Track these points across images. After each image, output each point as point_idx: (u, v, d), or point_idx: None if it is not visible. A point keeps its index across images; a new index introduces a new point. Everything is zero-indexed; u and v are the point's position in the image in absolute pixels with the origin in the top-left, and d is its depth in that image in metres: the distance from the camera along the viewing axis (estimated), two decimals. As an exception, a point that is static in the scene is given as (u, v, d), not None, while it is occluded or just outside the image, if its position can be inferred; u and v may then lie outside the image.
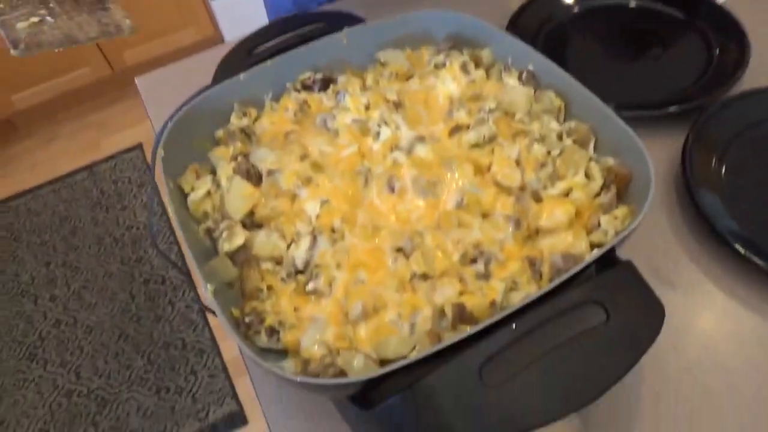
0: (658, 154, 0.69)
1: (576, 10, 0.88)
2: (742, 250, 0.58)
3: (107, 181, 2.10)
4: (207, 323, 1.68)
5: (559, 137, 0.61)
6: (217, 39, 2.52)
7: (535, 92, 0.64)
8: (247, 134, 0.65)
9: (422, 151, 0.60)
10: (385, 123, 0.62)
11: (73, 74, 2.32)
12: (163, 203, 0.56)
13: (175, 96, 0.72)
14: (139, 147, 2.24)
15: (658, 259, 0.62)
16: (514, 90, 0.64)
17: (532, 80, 0.65)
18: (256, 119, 0.67)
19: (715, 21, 0.81)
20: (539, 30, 0.85)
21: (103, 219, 1.97)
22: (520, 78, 0.66)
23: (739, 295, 0.58)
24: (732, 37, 0.78)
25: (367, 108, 0.64)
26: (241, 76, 0.66)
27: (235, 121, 0.66)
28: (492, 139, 0.61)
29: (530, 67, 0.66)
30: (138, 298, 1.77)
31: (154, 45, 2.41)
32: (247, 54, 0.71)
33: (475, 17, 0.71)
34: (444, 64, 0.68)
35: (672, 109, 0.70)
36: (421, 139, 0.61)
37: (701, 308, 0.58)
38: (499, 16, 0.85)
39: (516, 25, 0.84)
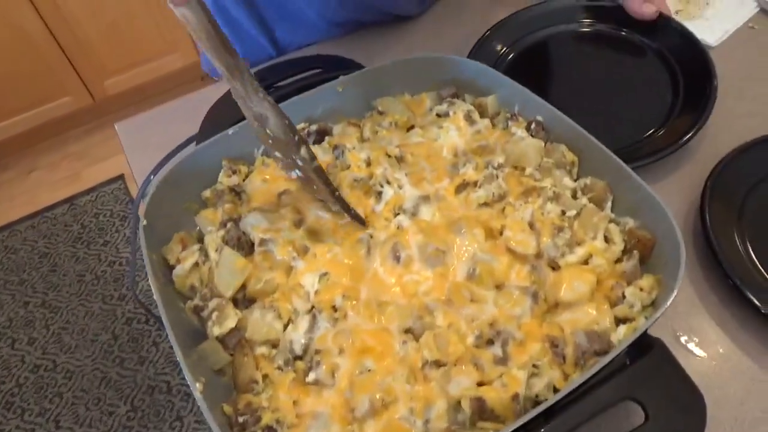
0: (670, 198, 0.66)
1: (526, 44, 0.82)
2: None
3: (88, 215, 2.03)
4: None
5: (574, 195, 0.57)
6: (200, 68, 2.48)
7: (545, 144, 0.60)
8: (237, 193, 0.60)
9: (428, 212, 0.55)
10: (388, 182, 0.57)
11: (54, 104, 2.26)
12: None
13: (158, 145, 0.67)
14: (121, 178, 2.18)
15: (680, 322, 0.57)
16: (524, 142, 0.59)
17: (542, 131, 0.61)
18: (246, 176, 0.62)
19: (673, 41, 0.77)
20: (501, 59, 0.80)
21: (84, 255, 1.90)
22: (528, 128, 0.62)
23: (770, 363, 0.54)
24: (694, 57, 0.73)
25: (368, 164, 0.60)
26: (230, 130, 0.61)
27: (224, 180, 0.61)
28: (502, 197, 0.56)
29: (539, 118, 0.62)
30: (120, 338, 1.69)
31: (136, 73, 2.36)
32: (236, 104, 0.66)
33: (479, 63, 0.67)
34: (447, 113, 0.64)
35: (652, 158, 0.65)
36: (425, 198, 0.57)
37: (731, 378, 0.54)
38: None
39: (477, 57, 0.76)
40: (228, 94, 0.69)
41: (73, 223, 2.01)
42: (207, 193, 0.60)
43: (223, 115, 0.65)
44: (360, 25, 0.87)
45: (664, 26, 0.78)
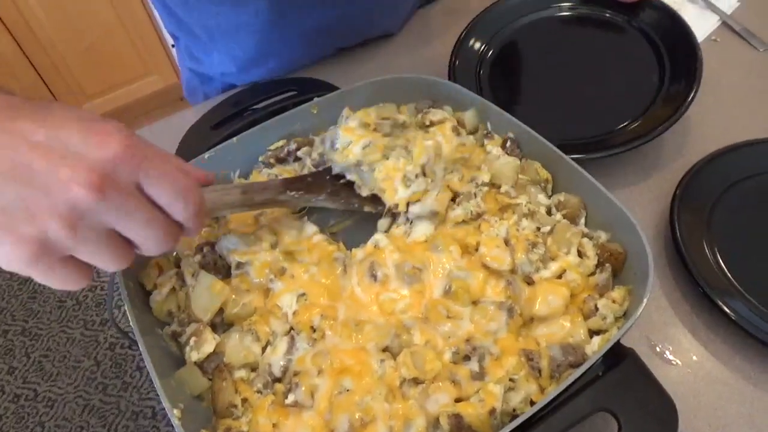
0: (642, 208, 0.67)
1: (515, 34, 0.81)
2: (740, 322, 0.55)
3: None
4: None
5: (548, 211, 0.58)
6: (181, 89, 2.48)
7: (520, 162, 0.61)
8: (215, 217, 0.61)
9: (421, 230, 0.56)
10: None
11: (31, 128, 2.24)
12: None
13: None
14: (103, 201, 2.16)
15: (654, 332, 0.58)
16: (499, 161, 0.60)
17: (517, 149, 0.62)
18: (223, 199, 0.63)
19: (659, 22, 0.76)
20: (483, 58, 0.79)
21: (64, 280, 1.88)
22: (503, 146, 0.63)
23: (741, 369, 0.55)
24: (679, 38, 0.73)
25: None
26: (206, 155, 0.61)
27: (201, 204, 0.61)
28: (479, 214, 0.57)
29: (511, 135, 0.63)
30: (103, 364, 1.66)
31: (115, 96, 2.36)
32: (211, 128, 0.67)
33: (450, 83, 0.68)
34: (426, 124, 0.64)
35: (636, 143, 0.65)
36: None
37: (705, 385, 0.55)
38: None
39: (458, 57, 0.78)
40: (204, 118, 0.70)
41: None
42: (184, 218, 0.60)
43: (200, 139, 0.65)
44: (338, 49, 0.88)
45: (647, 5, 0.77)
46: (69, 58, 2.16)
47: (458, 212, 0.57)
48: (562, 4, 0.81)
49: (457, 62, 0.78)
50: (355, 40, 0.88)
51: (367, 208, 0.57)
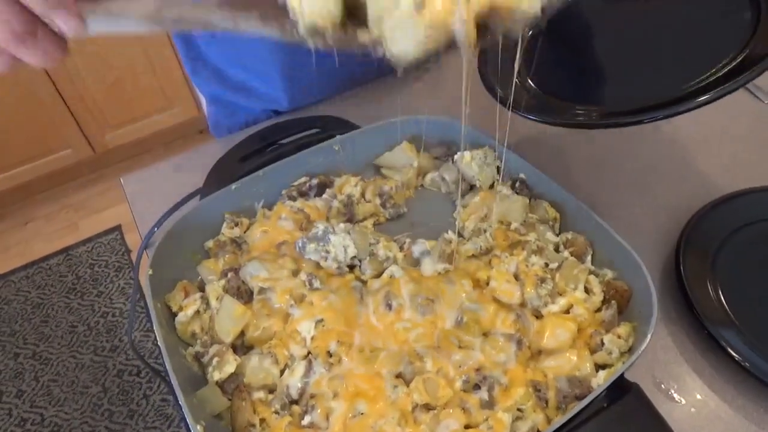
0: (648, 246, 0.69)
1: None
2: (743, 362, 0.57)
3: (83, 265, 2.04)
4: (183, 418, 1.58)
5: (556, 248, 0.60)
6: (201, 121, 2.56)
7: (529, 201, 0.64)
8: (238, 244, 0.64)
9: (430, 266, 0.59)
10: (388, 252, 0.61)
11: (54, 156, 2.31)
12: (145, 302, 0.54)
13: (162, 198, 0.71)
14: (118, 228, 2.20)
15: (660, 370, 0.60)
16: (510, 199, 0.64)
17: (526, 189, 0.65)
18: (247, 228, 0.66)
19: None
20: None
21: (77, 306, 1.90)
22: (513, 186, 0.66)
23: (744, 409, 0.57)
24: None
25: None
26: (233, 186, 0.65)
27: (226, 232, 0.64)
28: (489, 249, 0.60)
29: (522, 176, 0.66)
30: (111, 391, 1.67)
31: (137, 127, 2.42)
32: (239, 161, 0.71)
33: (465, 125, 0.71)
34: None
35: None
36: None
37: (708, 423, 0.56)
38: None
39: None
40: (232, 151, 0.74)
41: (68, 274, 2.02)
42: (210, 244, 0.64)
43: (228, 170, 0.69)
44: (357, 82, 0.92)
45: None
46: (95, 90, 2.24)
47: (468, 247, 0.60)
48: None
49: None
50: (375, 75, 0.92)
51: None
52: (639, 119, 0.53)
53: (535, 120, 0.57)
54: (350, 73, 0.91)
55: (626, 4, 0.68)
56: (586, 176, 0.75)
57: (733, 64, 0.57)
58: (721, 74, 0.56)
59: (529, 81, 0.64)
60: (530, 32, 0.62)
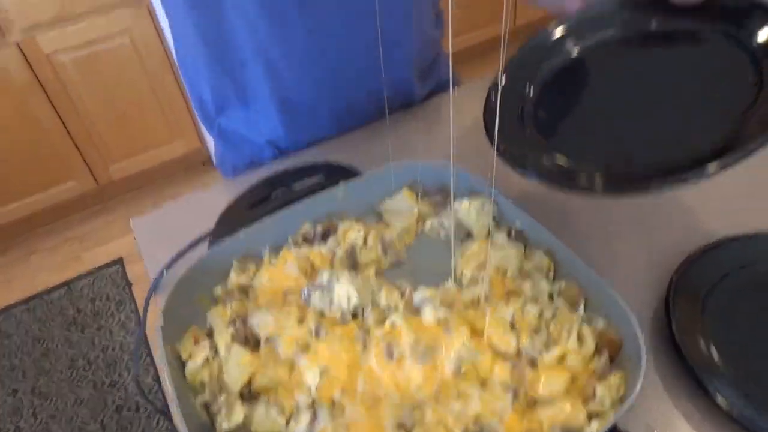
0: (641, 297, 0.71)
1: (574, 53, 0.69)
2: (731, 411, 0.58)
3: (85, 299, 2.06)
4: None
5: (551, 297, 0.63)
6: (204, 152, 2.60)
7: (524, 250, 0.67)
8: (245, 291, 0.66)
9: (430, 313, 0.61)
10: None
11: (58, 188, 2.34)
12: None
13: (170, 239, 0.74)
14: (120, 262, 2.23)
15: (652, 418, 0.62)
16: (505, 248, 0.66)
17: (521, 237, 0.68)
18: (254, 274, 0.68)
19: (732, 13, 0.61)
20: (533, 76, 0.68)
21: (77, 339, 1.91)
22: (509, 235, 0.69)
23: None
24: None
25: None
26: (241, 233, 0.68)
27: (234, 278, 0.67)
28: (486, 298, 0.63)
29: (517, 224, 0.69)
30: (109, 428, 1.67)
31: (141, 159, 2.46)
32: (247, 208, 0.74)
33: (465, 171, 0.73)
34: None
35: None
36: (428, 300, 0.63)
37: (701, 472, 0.58)
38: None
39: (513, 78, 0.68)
40: (239, 199, 0.77)
41: (69, 307, 2.04)
42: (218, 291, 0.66)
43: (237, 218, 0.72)
44: (361, 119, 0.96)
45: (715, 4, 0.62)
46: (100, 124, 2.28)
47: (466, 295, 0.63)
48: (626, 21, 0.68)
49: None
50: (377, 116, 0.95)
51: None
52: (645, 187, 0.53)
53: (541, 183, 0.58)
54: (349, 110, 0.95)
55: (629, 59, 0.68)
56: (578, 223, 0.78)
57: (739, 128, 0.56)
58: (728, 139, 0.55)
59: (532, 135, 0.65)
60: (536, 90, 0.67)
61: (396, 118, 0.98)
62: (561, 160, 0.60)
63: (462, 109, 1.01)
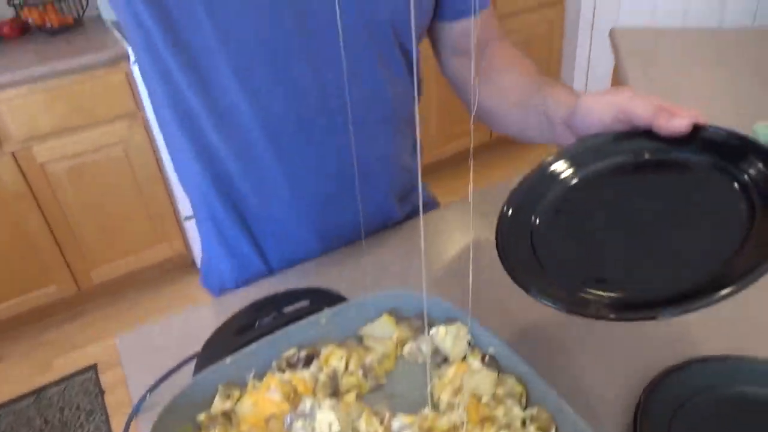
0: (611, 418, 0.74)
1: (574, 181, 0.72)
2: None
3: (53, 408, 1.98)
4: None
5: (523, 423, 0.66)
6: (188, 257, 2.63)
7: (498, 375, 0.71)
8: (228, 417, 0.68)
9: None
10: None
11: (37, 293, 2.32)
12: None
13: (154, 359, 0.76)
14: (93, 368, 2.17)
15: None
16: (480, 374, 0.70)
17: (495, 363, 0.72)
18: (238, 399, 0.71)
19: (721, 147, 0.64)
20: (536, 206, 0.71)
21: (42, 453, 1.82)
22: (483, 360, 0.73)
23: None
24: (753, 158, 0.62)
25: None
26: (228, 360, 0.71)
27: (218, 405, 0.69)
28: (462, 424, 0.65)
29: (491, 350, 0.73)
30: None
31: (124, 263, 2.47)
32: (234, 333, 0.77)
33: (441, 301, 0.79)
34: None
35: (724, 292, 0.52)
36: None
37: None
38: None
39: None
40: (227, 323, 0.81)
41: (36, 417, 1.96)
42: (201, 417, 0.68)
43: (224, 343, 0.75)
44: (348, 239, 1.02)
45: (705, 136, 0.66)
46: (86, 230, 2.31)
47: (443, 422, 0.65)
48: (624, 151, 0.71)
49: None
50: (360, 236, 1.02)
51: None
52: (652, 315, 0.56)
53: (547, 305, 0.60)
54: (331, 230, 1.02)
55: (628, 187, 0.71)
56: (549, 349, 0.82)
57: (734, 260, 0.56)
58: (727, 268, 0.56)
59: (542, 261, 0.67)
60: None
61: (375, 240, 1.05)
62: (566, 287, 0.63)
63: (439, 230, 1.08)
